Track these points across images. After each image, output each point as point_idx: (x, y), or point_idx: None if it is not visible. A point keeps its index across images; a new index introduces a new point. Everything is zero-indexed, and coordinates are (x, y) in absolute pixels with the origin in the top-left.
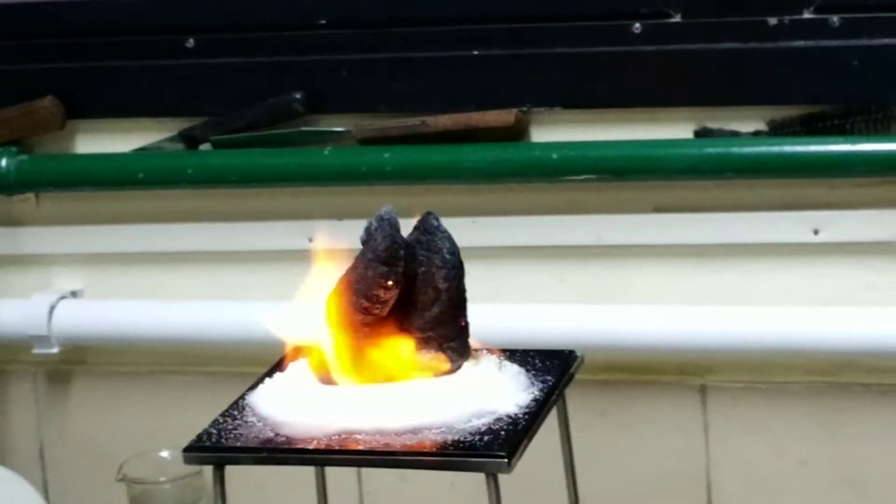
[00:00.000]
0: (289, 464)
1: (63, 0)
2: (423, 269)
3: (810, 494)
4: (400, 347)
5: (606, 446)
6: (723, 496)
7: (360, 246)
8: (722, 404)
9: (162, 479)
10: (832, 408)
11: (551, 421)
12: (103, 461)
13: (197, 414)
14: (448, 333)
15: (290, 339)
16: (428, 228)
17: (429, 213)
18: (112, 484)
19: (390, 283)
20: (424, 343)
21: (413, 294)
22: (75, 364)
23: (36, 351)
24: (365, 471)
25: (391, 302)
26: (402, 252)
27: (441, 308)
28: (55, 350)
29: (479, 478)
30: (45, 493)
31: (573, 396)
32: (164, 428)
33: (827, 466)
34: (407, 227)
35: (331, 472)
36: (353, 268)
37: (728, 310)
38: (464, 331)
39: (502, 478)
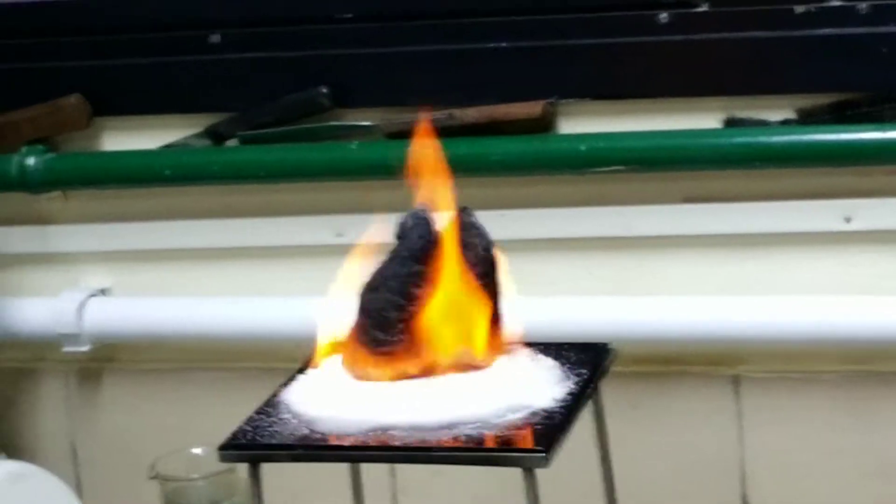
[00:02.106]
0: (325, 461)
1: None
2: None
3: (843, 484)
4: (434, 343)
5: (640, 438)
6: (757, 486)
7: (389, 240)
8: (755, 394)
9: (195, 475)
10: (866, 397)
11: (584, 414)
12: (135, 458)
13: (228, 410)
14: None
15: (323, 334)
16: (463, 224)
17: (463, 209)
18: (145, 481)
19: (424, 280)
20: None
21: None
22: (105, 362)
23: (66, 349)
24: (398, 466)
25: (426, 299)
26: (436, 251)
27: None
28: (85, 348)
29: (512, 472)
30: (78, 490)
31: (606, 388)
32: (196, 424)
33: (860, 456)
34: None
35: (364, 467)
36: (388, 264)
37: (760, 299)
38: (498, 325)
39: (539, 471)
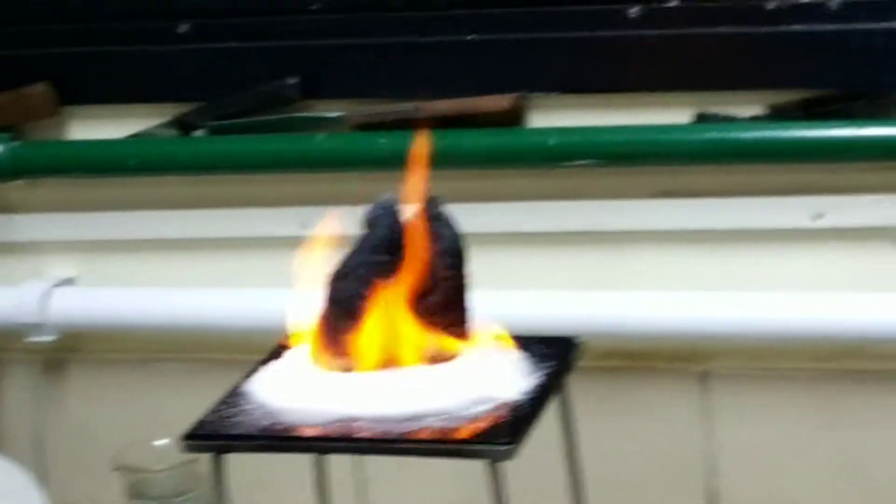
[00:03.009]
0: (288, 451)
1: None
2: (424, 255)
3: (813, 481)
4: (400, 334)
5: (607, 434)
6: (725, 483)
7: (355, 232)
8: (724, 391)
9: (159, 466)
10: (835, 394)
11: (551, 408)
12: (101, 449)
13: (194, 401)
14: (449, 319)
15: (290, 325)
16: (431, 215)
17: (432, 199)
18: (109, 472)
19: (391, 270)
20: (425, 329)
21: (414, 280)
22: (71, 352)
23: (30, 339)
24: (364, 459)
25: (391, 289)
26: (402, 241)
27: (443, 294)
28: (50, 338)
29: (479, 465)
30: (43, 481)
31: (572, 383)
32: (161, 415)
33: (830, 453)
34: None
35: (328, 459)
36: (353, 254)
37: (730, 295)
38: (465, 317)
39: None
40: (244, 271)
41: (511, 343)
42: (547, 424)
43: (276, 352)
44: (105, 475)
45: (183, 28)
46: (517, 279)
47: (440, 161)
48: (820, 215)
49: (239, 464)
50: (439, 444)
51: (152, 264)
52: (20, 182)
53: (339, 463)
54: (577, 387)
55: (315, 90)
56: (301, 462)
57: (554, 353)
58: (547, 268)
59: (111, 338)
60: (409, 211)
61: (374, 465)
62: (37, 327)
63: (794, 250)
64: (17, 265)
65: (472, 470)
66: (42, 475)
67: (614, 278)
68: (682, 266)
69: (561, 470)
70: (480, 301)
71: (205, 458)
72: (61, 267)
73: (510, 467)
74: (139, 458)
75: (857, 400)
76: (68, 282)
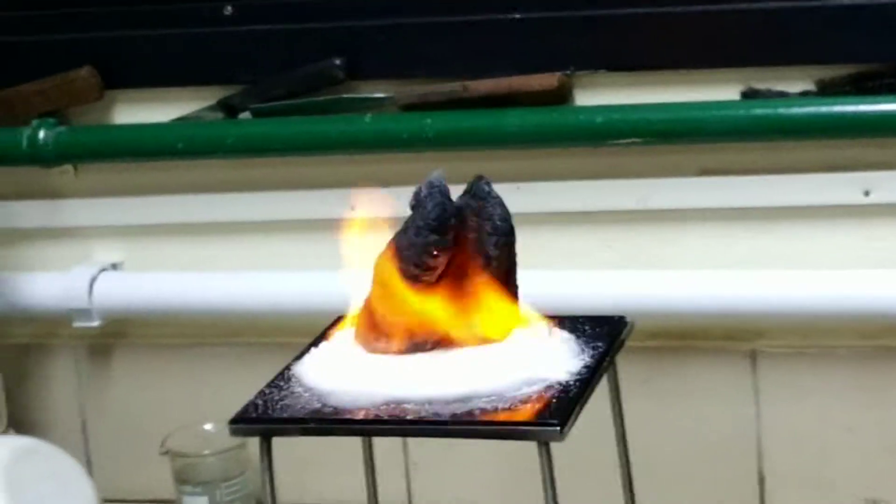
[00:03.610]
0: (336, 434)
1: None
2: (473, 235)
3: (858, 459)
4: (449, 315)
5: (655, 413)
6: (772, 461)
7: (403, 214)
8: (771, 369)
9: (206, 451)
10: (882, 372)
11: (600, 388)
12: (146, 434)
13: (239, 386)
14: (498, 299)
15: (337, 308)
16: (479, 194)
17: (480, 178)
18: (155, 457)
19: (440, 250)
20: (474, 309)
21: (463, 260)
22: (116, 337)
23: (77, 324)
24: (411, 440)
25: (440, 269)
26: (452, 220)
27: (491, 274)
28: (96, 323)
29: (527, 446)
30: (89, 466)
31: (621, 363)
32: (207, 400)
33: (876, 431)
34: (452, 192)
35: (376, 441)
36: (402, 234)
37: (777, 273)
38: (514, 297)
39: (554, 445)
40: (291, 254)
41: (558, 323)
42: (597, 404)
43: (324, 334)
44: (152, 460)
45: (228, 10)
46: (564, 259)
47: (486, 140)
48: (869, 191)
49: (287, 445)
50: (488, 425)
51: (198, 248)
52: (66, 167)
53: (386, 445)
54: (627, 366)
55: (360, 71)
56: (349, 445)
57: (603, 333)
58: (594, 247)
59: (157, 322)
60: (458, 191)
61: (421, 447)
62: (84, 313)
63: (843, 227)
64: (63, 251)
65: (519, 451)
66: (88, 460)
67: (662, 257)
68: (729, 244)
69: (611, 450)
70: (529, 280)
71: (252, 443)
72: (107, 252)
73: (559, 448)
74: (186, 443)
75: None
76: (114, 267)
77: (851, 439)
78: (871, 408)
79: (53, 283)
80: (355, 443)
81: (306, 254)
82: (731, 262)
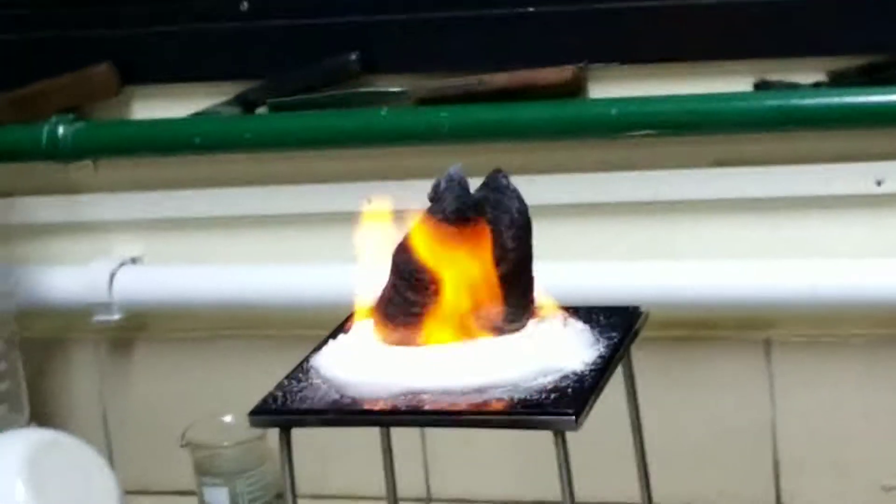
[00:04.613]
0: (355, 425)
1: None
2: (490, 227)
3: (874, 446)
4: (466, 306)
5: (671, 402)
6: (788, 450)
7: (419, 207)
8: (786, 358)
9: (226, 443)
10: (895, 360)
11: (615, 378)
12: (167, 427)
13: (259, 378)
14: (515, 291)
15: (355, 299)
16: (497, 187)
17: (498, 171)
18: (176, 449)
19: (458, 243)
20: (491, 301)
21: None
22: (137, 330)
23: (97, 318)
24: (429, 432)
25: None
26: (471, 213)
27: (508, 266)
28: (116, 317)
29: (543, 437)
30: (110, 459)
31: (636, 353)
32: (227, 392)
33: (891, 419)
34: (470, 185)
35: (394, 433)
36: (421, 226)
37: (791, 263)
38: (530, 288)
39: (570, 434)
40: (309, 247)
41: (573, 314)
42: (612, 394)
43: (343, 326)
44: (173, 452)
45: (244, 6)
46: (579, 250)
47: (501, 133)
48: (881, 181)
49: (306, 437)
50: (505, 415)
51: (217, 242)
52: (85, 162)
53: (404, 437)
54: (642, 356)
55: (376, 65)
56: (366, 435)
57: (618, 324)
58: (609, 238)
59: (177, 316)
60: (474, 184)
61: (439, 439)
62: (104, 306)
63: (856, 217)
64: (83, 245)
65: (536, 441)
66: (110, 452)
67: (677, 248)
68: (743, 234)
69: (627, 440)
70: (544, 272)
71: (271, 435)
72: (127, 246)
73: (575, 437)
74: (206, 435)
75: None
76: (134, 261)
77: (866, 426)
78: (885, 395)
79: (74, 277)
80: (374, 435)
81: (324, 246)
82: (744, 252)
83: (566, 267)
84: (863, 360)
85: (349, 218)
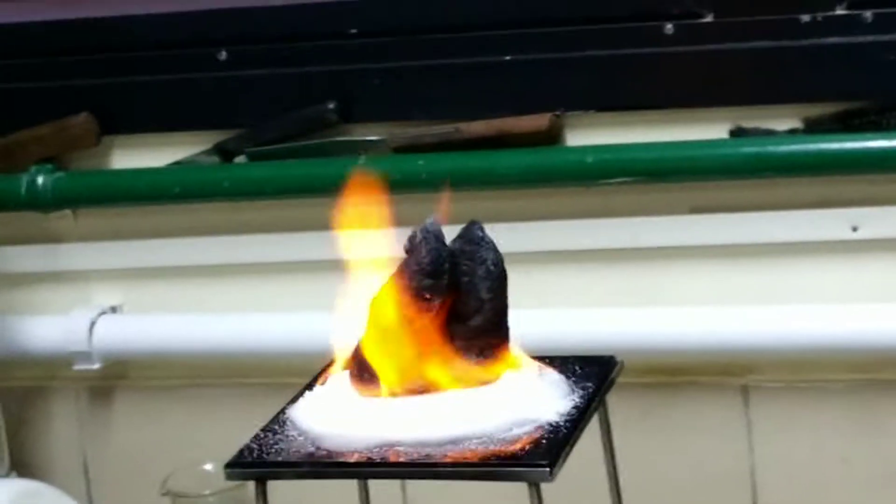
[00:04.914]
0: (330, 477)
1: (95, 16)
2: (465, 278)
3: (854, 492)
4: (441, 357)
5: (649, 449)
6: (767, 496)
7: (396, 255)
8: (764, 404)
9: (206, 492)
10: (874, 405)
11: (592, 425)
12: (147, 475)
13: (240, 426)
14: (489, 342)
15: (333, 349)
16: (472, 238)
17: (473, 223)
18: (157, 498)
19: (434, 294)
20: (466, 352)
21: (455, 303)
22: (117, 379)
23: (77, 367)
24: (409, 480)
25: (434, 313)
26: (446, 265)
27: (484, 318)
28: (96, 366)
29: (520, 485)
30: None
31: (614, 400)
32: (207, 441)
33: (870, 464)
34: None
35: (373, 482)
36: (396, 277)
37: (768, 309)
38: (505, 339)
39: (545, 485)
40: (288, 296)
41: (548, 364)
42: (589, 442)
43: (318, 377)
44: (152, 501)
45: (221, 55)
46: (557, 298)
47: (478, 181)
48: (857, 227)
49: (286, 486)
50: (479, 467)
51: (196, 291)
52: (64, 212)
53: (385, 484)
54: (620, 403)
55: (354, 114)
56: (347, 484)
57: (593, 373)
58: (586, 286)
59: (157, 364)
60: (451, 234)
61: (419, 486)
62: (84, 355)
63: (832, 263)
64: (63, 294)
65: (515, 488)
66: (91, 502)
67: (653, 295)
68: (720, 280)
69: (603, 487)
70: (521, 320)
71: (252, 483)
72: (106, 295)
73: (553, 488)
74: (187, 484)
75: (895, 410)
76: (114, 310)
77: (846, 471)
78: (863, 440)
79: (53, 326)
80: (353, 484)
81: (303, 295)
82: (722, 298)
83: (544, 314)
84: (841, 406)
85: (328, 266)
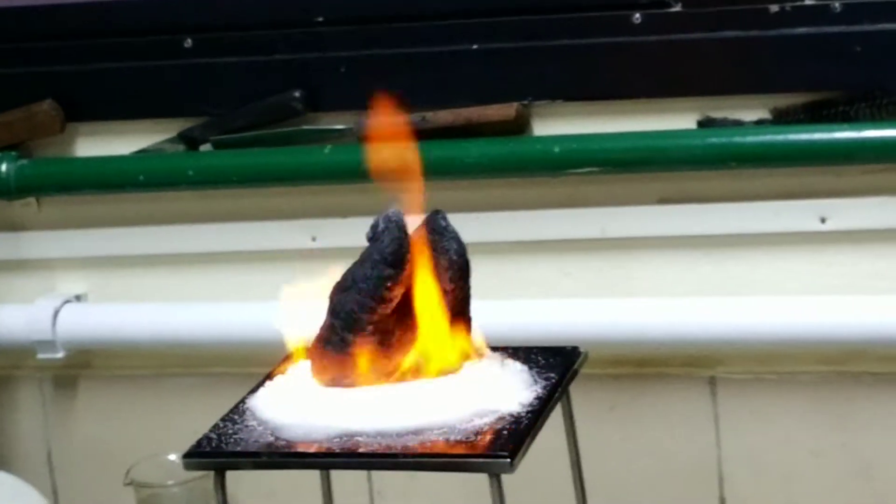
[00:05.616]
0: (289, 468)
1: (60, 3)
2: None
3: (822, 485)
4: (403, 347)
5: (616, 441)
6: (734, 488)
7: (362, 244)
8: (732, 396)
9: (170, 482)
10: (842, 397)
11: (558, 417)
12: (111, 465)
13: (204, 416)
14: (452, 332)
15: (293, 339)
16: (436, 228)
17: (437, 212)
18: (121, 488)
19: (396, 284)
20: (428, 342)
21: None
22: (81, 368)
23: (41, 356)
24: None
25: (395, 301)
26: (408, 255)
27: (446, 307)
28: (60, 355)
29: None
30: (55, 498)
31: (581, 391)
32: (172, 430)
33: (837, 456)
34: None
35: (339, 472)
36: (358, 266)
37: (736, 300)
38: (467, 330)
39: (510, 475)
40: (252, 285)
41: (511, 355)
42: (554, 434)
43: (279, 367)
44: (116, 491)
45: (187, 43)
46: (523, 288)
47: (445, 170)
48: (825, 218)
49: (251, 477)
50: (439, 458)
51: (161, 280)
52: (28, 200)
53: (350, 475)
54: (587, 394)
55: (320, 103)
56: (312, 475)
57: (557, 364)
58: (553, 276)
59: (121, 354)
60: (414, 224)
61: (384, 476)
62: (48, 344)
63: (800, 254)
64: (27, 283)
65: (477, 480)
66: (55, 491)
67: (621, 285)
68: (688, 271)
69: (569, 478)
70: (487, 310)
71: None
72: (71, 284)
73: (518, 476)
74: (150, 474)
75: (864, 402)
76: (78, 298)
77: (812, 464)
78: (831, 432)
79: (17, 315)
80: (317, 473)
81: (267, 284)
82: (689, 289)
83: (510, 305)
84: (808, 398)
85: (293, 255)
